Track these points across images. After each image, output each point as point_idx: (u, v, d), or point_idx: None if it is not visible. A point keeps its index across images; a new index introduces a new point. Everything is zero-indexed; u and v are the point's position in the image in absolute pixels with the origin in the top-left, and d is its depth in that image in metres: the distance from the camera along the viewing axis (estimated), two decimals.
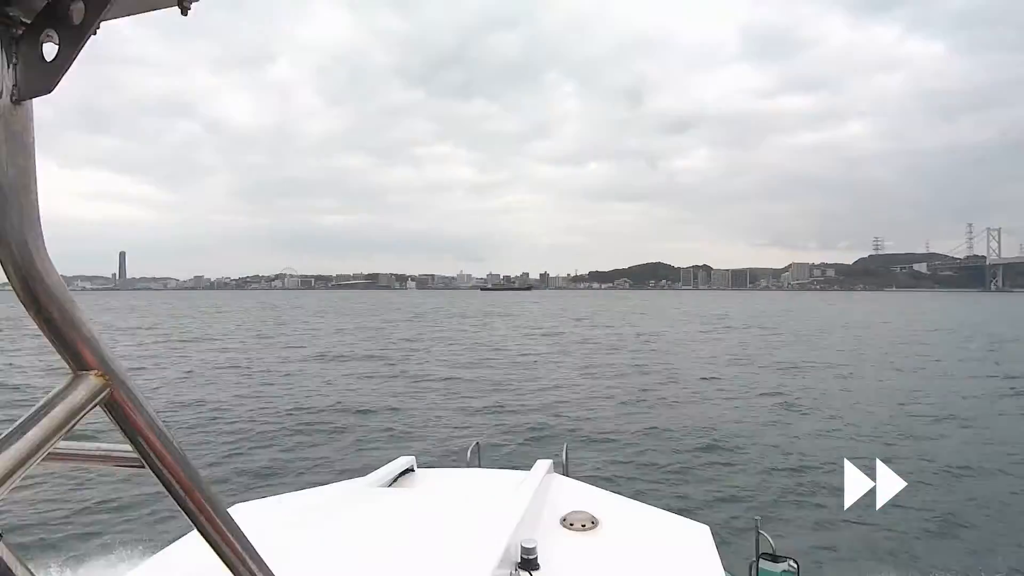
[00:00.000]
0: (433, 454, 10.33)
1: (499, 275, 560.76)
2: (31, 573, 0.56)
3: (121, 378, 0.55)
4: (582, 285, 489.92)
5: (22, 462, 0.47)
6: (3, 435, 0.48)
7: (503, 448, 10.51)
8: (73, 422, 0.52)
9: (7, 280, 0.48)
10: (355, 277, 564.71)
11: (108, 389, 0.54)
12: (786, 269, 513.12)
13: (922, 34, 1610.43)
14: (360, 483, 2.80)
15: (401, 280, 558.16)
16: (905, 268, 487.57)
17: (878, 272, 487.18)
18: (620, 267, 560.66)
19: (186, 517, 0.63)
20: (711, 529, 2.32)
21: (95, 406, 0.54)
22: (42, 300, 0.49)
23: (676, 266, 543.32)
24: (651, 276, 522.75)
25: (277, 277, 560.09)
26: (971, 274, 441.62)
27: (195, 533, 1.90)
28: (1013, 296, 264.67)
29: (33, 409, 0.51)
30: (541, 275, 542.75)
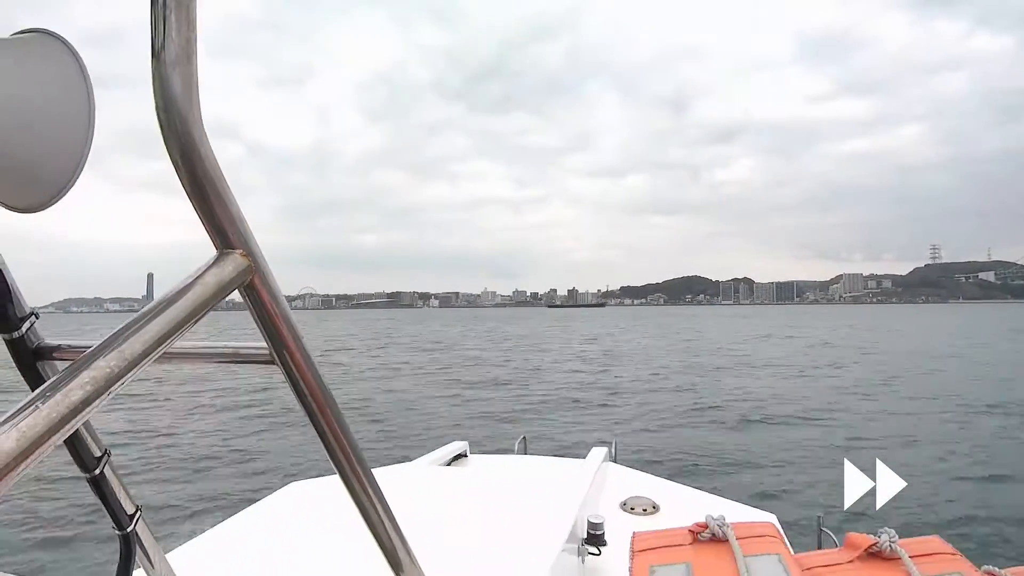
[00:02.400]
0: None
1: (525, 292, 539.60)
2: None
3: (261, 263, 0.55)
4: (613, 301, 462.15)
5: (169, 334, 0.47)
6: (152, 307, 0.48)
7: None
8: (218, 299, 0.52)
9: (166, 147, 0.47)
10: (376, 296, 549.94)
11: (251, 272, 0.54)
12: (835, 281, 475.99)
13: (990, 28, 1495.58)
14: (418, 463, 2.84)
15: (424, 298, 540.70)
16: (970, 278, 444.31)
17: (940, 283, 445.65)
18: (654, 281, 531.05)
19: (307, 417, 0.61)
20: (778, 519, 2.16)
21: (239, 286, 0.54)
22: (198, 173, 0.48)
23: (714, 279, 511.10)
24: (687, 291, 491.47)
25: (299, 296, 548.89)
26: None
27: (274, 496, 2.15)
28: None
29: (179, 284, 0.50)
30: (569, 291, 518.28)
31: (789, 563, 1.03)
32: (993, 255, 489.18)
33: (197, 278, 0.51)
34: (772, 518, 2.12)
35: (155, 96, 0.46)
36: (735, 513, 2.19)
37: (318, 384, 0.61)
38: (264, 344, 0.58)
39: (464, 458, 3.05)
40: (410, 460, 2.98)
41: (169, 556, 0.72)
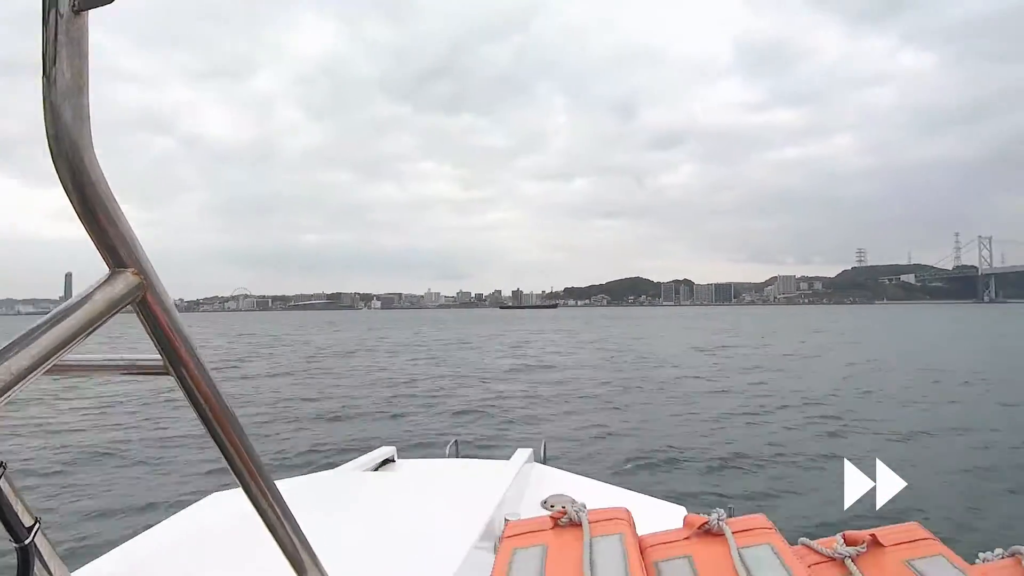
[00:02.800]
0: None
1: (470, 293, 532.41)
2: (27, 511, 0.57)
3: (153, 280, 0.56)
4: (558, 302, 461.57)
5: (57, 349, 0.48)
6: (42, 323, 0.49)
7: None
8: (109, 316, 0.52)
9: (57, 172, 0.48)
10: (315, 297, 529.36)
11: (143, 288, 0.54)
12: (769, 283, 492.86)
13: (916, 46, 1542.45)
14: (344, 469, 2.85)
15: (366, 299, 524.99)
16: (893, 280, 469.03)
17: (866, 284, 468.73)
18: (598, 283, 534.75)
19: (203, 426, 0.63)
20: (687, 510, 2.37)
21: (130, 303, 0.54)
22: (88, 197, 0.49)
23: (656, 281, 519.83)
24: (630, 292, 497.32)
25: (232, 298, 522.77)
26: (962, 285, 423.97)
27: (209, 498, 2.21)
28: (1014, 307, 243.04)
29: (71, 302, 0.51)
30: (514, 292, 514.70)
31: (629, 542, 1.13)
32: (913, 258, 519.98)
33: (86, 296, 0.51)
34: (681, 510, 2.27)
35: (46, 124, 0.46)
36: (647, 506, 2.34)
37: (214, 394, 0.62)
38: (159, 356, 0.60)
39: (392, 463, 3.04)
40: (335, 467, 2.94)
41: (76, 574, 0.68)
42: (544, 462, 3.17)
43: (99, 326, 0.52)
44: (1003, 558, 1.09)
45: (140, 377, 0.64)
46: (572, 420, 11.13)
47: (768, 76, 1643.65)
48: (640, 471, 7.83)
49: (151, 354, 0.60)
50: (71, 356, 0.50)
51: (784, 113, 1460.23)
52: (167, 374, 0.60)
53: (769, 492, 6.83)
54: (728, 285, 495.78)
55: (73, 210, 0.50)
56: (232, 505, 2.07)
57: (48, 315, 0.50)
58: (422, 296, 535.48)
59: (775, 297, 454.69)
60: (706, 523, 1.16)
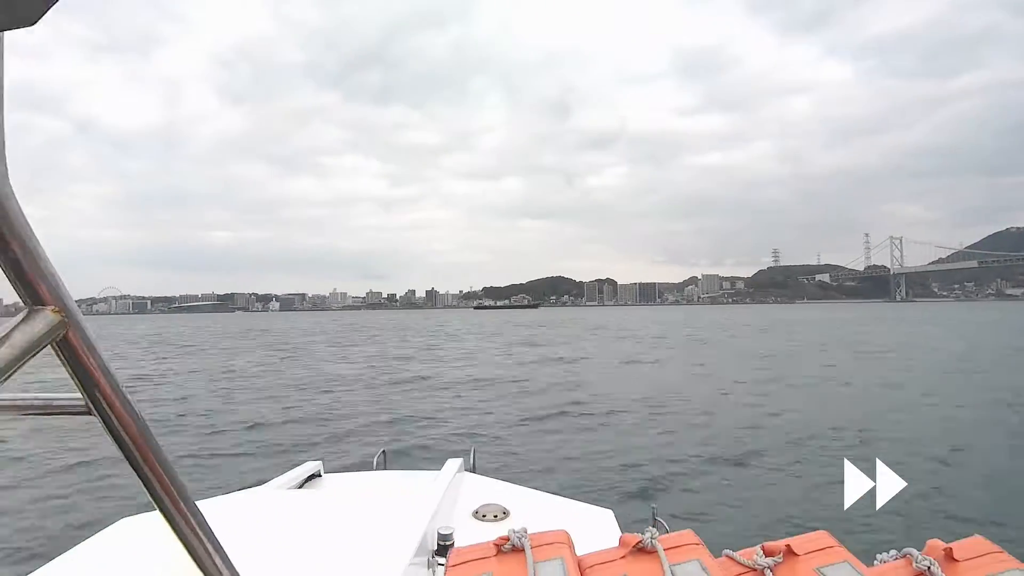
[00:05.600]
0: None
1: (380, 293, 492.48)
2: None
3: (76, 318, 0.53)
4: (474, 303, 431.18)
5: None
6: None
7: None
8: (27, 358, 0.50)
9: None
10: (204, 298, 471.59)
11: (64, 327, 0.52)
12: (689, 283, 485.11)
13: (837, 58, 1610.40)
14: (266, 488, 2.71)
15: (264, 300, 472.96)
16: (811, 279, 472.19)
17: (786, 284, 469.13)
18: (518, 282, 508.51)
19: (129, 466, 0.61)
20: (614, 514, 2.41)
21: (50, 342, 0.52)
22: (3, 231, 0.46)
23: (578, 280, 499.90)
24: (551, 291, 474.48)
25: (102, 299, 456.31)
26: (874, 284, 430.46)
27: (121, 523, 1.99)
28: (926, 305, 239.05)
29: None
30: (428, 292, 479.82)
31: (570, 564, 1.16)
32: (822, 259, 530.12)
33: (4, 336, 0.48)
34: (609, 513, 2.35)
35: None
36: (576, 511, 2.43)
37: (139, 429, 0.60)
38: (79, 396, 0.57)
39: (318, 478, 2.94)
40: (258, 485, 2.81)
41: None
42: (474, 471, 3.18)
43: (18, 369, 0.49)
44: (896, 559, 1.16)
45: (59, 417, 0.60)
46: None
47: (701, 81, 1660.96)
48: (559, 474, 7.57)
49: (71, 393, 0.57)
50: None
51: (711, 119, 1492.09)
52: (88, 414, 0.58)
53: None
54: (652, 285, 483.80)
55: None
56: (145, 531, 1.96)
57: None
58: (327, 296, 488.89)
59: (698, 297, 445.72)
60: (639, 542, 1.19)
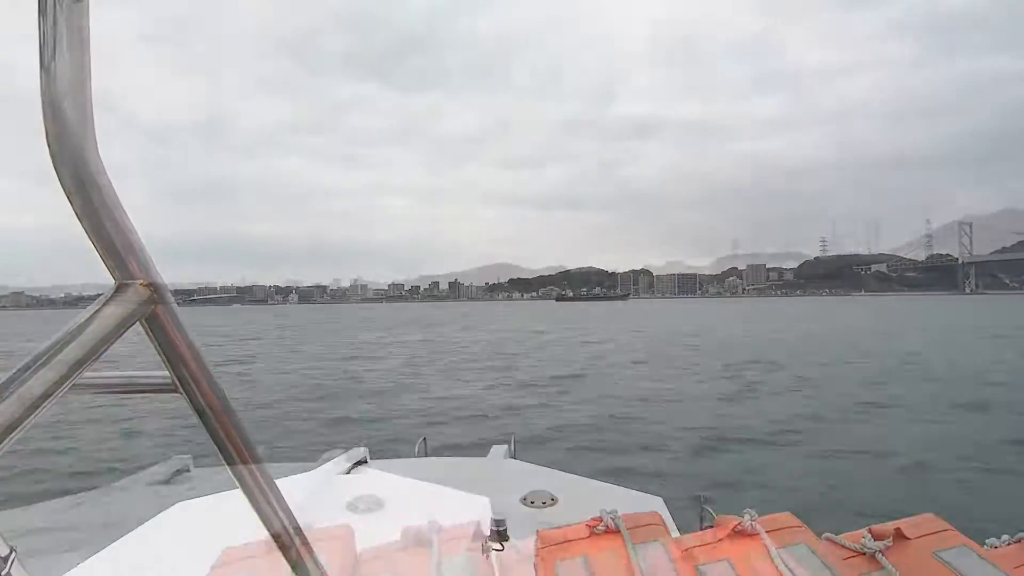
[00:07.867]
0: None
1: (402, 285, 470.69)
2: None
3: (163, 292, 0.53)
4: (501, 295, 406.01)
5: (73, 370, 0.46)
6: (53, 341, 0.46)
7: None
8: (119, 333, 0.49)
9: (57, 175, 0.44)
10: (223, 290, 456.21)
11: (153, 302, 0.52)
12: (729, 273, 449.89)
13: (899, 35, 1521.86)
14: (320, 471, 2.75)
15: (284, 293, 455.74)
16: (867, 269, 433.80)
17: (840, 275, 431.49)
18: (546, 274, 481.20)
19: (214, 446, 0.61)
20: (664, 500, 2.39)
21: (140, 318, 0.51)
22: (94, 204, 0.46)
23: (612, 271, 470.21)
24: (583, 283, 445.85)
25: (94, 297, 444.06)
26: (939, 275, 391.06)
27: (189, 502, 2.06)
28: (1006, 298, 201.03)
29: (80, 319, 0.48)
30: (451, 284, 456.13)
31: (671, 547, 1.13)
32: (872, 248, 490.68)
33: (96, 312, 0.48)
34: (659, 500, 2.31)
35: (45, 123, 0.43)
36: (625, 498, 2.42)
37: (225, 410, 0.60)
38: (167, 374, 0.57)
39: (365, 464, 2.99)
40: (307, 469, 2.80)
41: None
42: (515, 457, 3.22)
43: (110, 346, 0.49)
44: (1009, 544, 1.13)
45: (146, 396, 0.60)
46: None
47: (752, 62, 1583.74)
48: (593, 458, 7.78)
49: (158, 371, 0.57)
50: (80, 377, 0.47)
51: (764, 102, 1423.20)
52: (175, 391, 0.57)
53: None
54: (691, 276, 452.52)
55: (74, 215, 0.46)
56: (201, 514, 1.97)
57: (59, 334, 0.47)
58: (347, 289, 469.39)
59: (743, 289, 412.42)
60: (738, 524, 1.15)
